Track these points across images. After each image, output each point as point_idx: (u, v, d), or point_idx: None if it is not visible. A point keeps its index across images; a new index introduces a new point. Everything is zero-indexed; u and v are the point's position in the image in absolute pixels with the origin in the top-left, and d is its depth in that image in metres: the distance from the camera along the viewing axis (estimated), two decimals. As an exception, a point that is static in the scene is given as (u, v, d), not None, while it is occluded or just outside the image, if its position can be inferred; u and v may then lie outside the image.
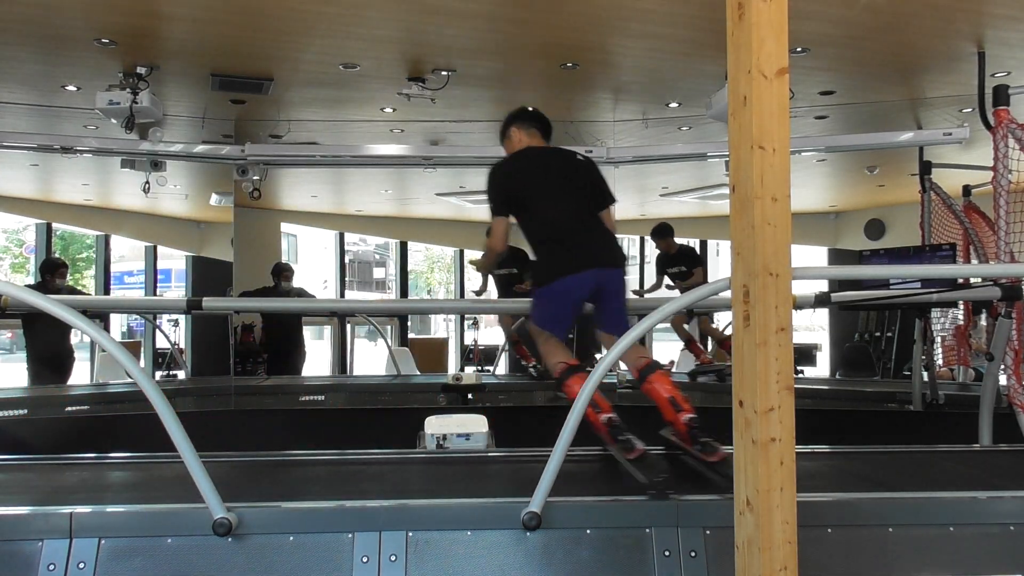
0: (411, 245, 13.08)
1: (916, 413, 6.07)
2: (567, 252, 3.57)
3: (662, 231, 7.91)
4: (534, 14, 4.70)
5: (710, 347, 8.53)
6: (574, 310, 3.63)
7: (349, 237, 12.46)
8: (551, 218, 3.61)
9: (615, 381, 7.03)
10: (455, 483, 3.43)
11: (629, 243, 13.37)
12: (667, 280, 8.09)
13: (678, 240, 8.07)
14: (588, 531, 2.81)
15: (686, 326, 8.13)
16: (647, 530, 2.79)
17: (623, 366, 7.95)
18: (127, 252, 13.09)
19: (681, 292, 8.06)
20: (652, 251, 13.03)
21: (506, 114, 3.97)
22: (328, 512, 2.87)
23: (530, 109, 3.99)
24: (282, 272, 8.29)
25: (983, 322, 6.41)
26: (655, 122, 6.86)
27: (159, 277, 11.72)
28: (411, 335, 11.74)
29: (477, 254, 13.12)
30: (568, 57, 5.43)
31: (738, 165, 2.30)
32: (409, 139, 7.32)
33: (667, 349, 10.26)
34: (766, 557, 2.22)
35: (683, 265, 7.97)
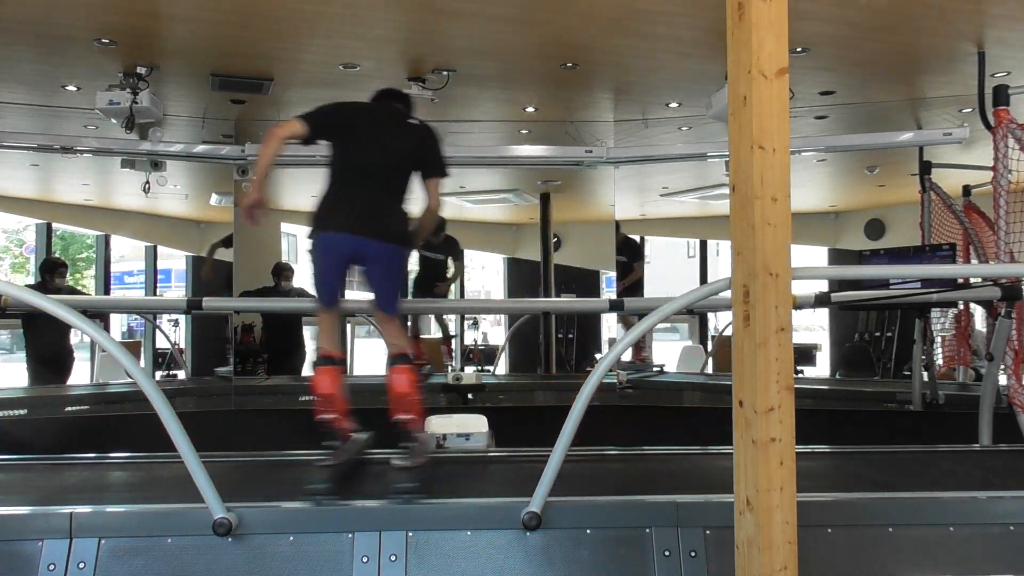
0: (411, 245, 13.07)
1: (916, 413, 6.07)
2: (333, 206, 3.45)
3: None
4: (534, 14, 4.70)
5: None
6: (331, 272, 3.47)
7: (349, 237, 12.43)
8: (340, 165, 3.51)
9: (615, 381, 7.02)
10: (455, 483, 3.43)
11: (629, 243, 13.32)
12: None
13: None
14: (588, 531, 2.81)
15: None
16: (647, 530, 2.79)
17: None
18: (127, 252, 13.07)
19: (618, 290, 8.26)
20: (652, 250, 13.05)
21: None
22: (328, 512, 2.88)
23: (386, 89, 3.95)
24: (282, 272, 8.28)
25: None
26: (655, 122, 6.85)
27: (159, 277, 11.70)
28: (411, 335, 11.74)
29: (473, 253, 13.14)
30: (568, 57, 5.43)
31: (738, 165, 2.30)
32: (409, 139, 7.30)
33: (667, 349, 10.25)
34: (766, 557, 2.23)
35: (624, 256, 8.20)
